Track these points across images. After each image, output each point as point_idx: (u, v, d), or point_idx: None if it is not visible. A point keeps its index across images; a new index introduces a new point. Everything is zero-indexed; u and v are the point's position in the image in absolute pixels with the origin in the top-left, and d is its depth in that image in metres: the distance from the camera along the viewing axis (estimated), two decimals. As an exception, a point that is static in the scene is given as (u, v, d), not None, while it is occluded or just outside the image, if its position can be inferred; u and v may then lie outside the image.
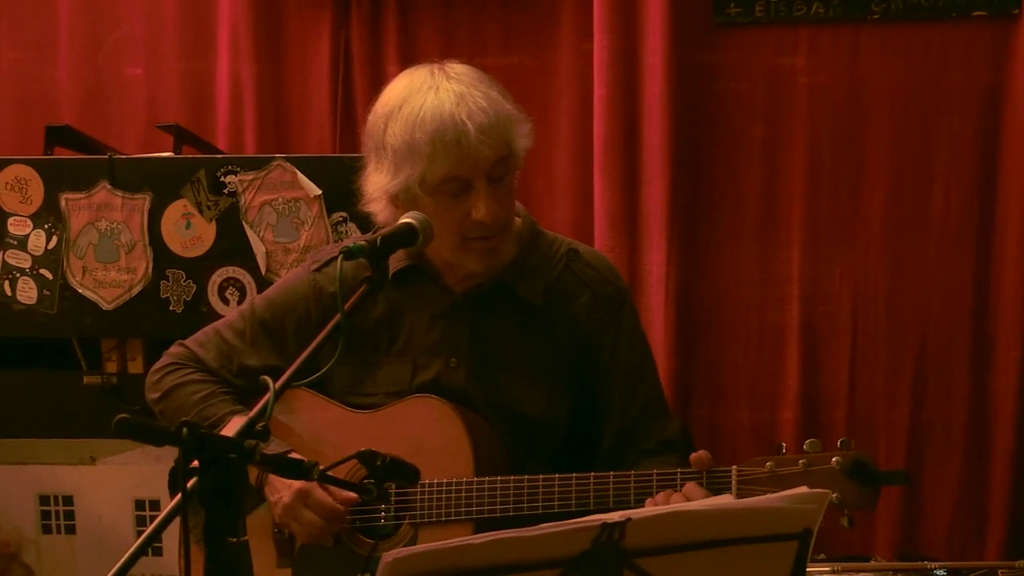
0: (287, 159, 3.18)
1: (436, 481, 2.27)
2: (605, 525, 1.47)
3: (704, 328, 3.54)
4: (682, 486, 2.17)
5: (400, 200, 2.29)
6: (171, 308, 3.19)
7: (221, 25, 3.69)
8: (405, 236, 2.12)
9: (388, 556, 1.41)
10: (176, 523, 1.72)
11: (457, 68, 2.31)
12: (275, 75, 3.70)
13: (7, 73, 3.82)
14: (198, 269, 3.18)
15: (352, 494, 2.22)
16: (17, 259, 3.24)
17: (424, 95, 2.26)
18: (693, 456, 2.20)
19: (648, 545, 1.51)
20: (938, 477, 3.46)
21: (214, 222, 3.18)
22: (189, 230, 3.19)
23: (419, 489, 2.28)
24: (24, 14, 3.81)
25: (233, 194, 3.17)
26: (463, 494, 2.27)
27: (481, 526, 2.24)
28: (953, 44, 3.42)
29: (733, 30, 3.49)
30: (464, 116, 2.22)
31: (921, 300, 3.47)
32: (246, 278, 3.17)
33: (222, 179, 3.17)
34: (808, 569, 2.04)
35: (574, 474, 2.24)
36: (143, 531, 1.74)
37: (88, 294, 3.22)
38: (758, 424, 3.52)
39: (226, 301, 3.16)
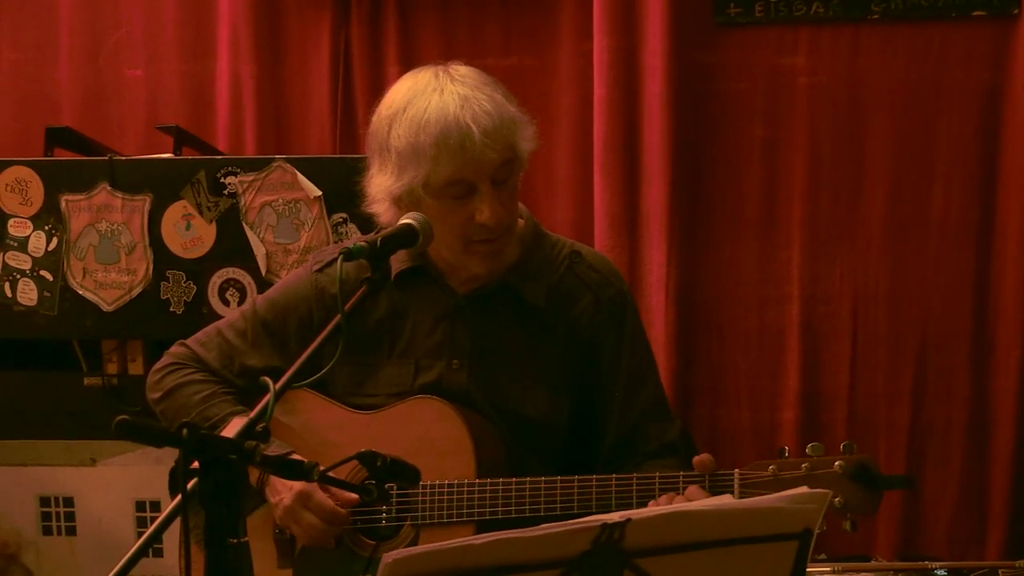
0: (287, 160, 3.18)
1: (437, 482, 2.27)
2: (605, 525, 1.47)
3: (704, 328, 3.54)
4: (684, 489, 2.17)
5: (403, 202, 2.30)
6: (171, 309, 3.19)
7: (221, 26, 3.69)
8: (405, 237, 2.12)
9: (389, 557, 1.41)
10: (176, 524, 1.72)
11: (461, 70, 2.32)
12: (275, 76, 3.70)
13: (7, 74, 3.82)
14: (198, 270, 3.19)
15: (353, 495, 2.22)
16: (17, 261, 3.24)
17: (428, 97, 2.26)
18: (696, 459, 2.20)
19: (648, 545, 1.51)
20: (938, 477, 3.46)
21: (214, 223, 3.18)
22: (189, 231, 3.19)
23: (420, 490, 2.28)
24: (24, 15, 3.81)
25: (233, 195, 3.17)
26: (464, 495, 2.26)
27: (482, 527, 2.24)
28: (953, 44, 3.42)
29: (733, 30, 3.49)
30: (468, 119, 2.22)
31: (921, 300, 3.47)
32: (246, 279, 3.17)
33: (222, 180, 3.17)
34: (809, 569, 2.05)
35: (576, 476, 2.25)
36: (144, 532, 1.74)
37: (88, 295, 3.22)
38: (758, 424, 3.52)
39: (226, 302, 3.16)
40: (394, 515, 2.32)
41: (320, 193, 3.14)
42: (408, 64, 2.43)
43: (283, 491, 2.32)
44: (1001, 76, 3.40)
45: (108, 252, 3.21)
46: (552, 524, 1.48)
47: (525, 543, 1.45)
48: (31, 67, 3.82)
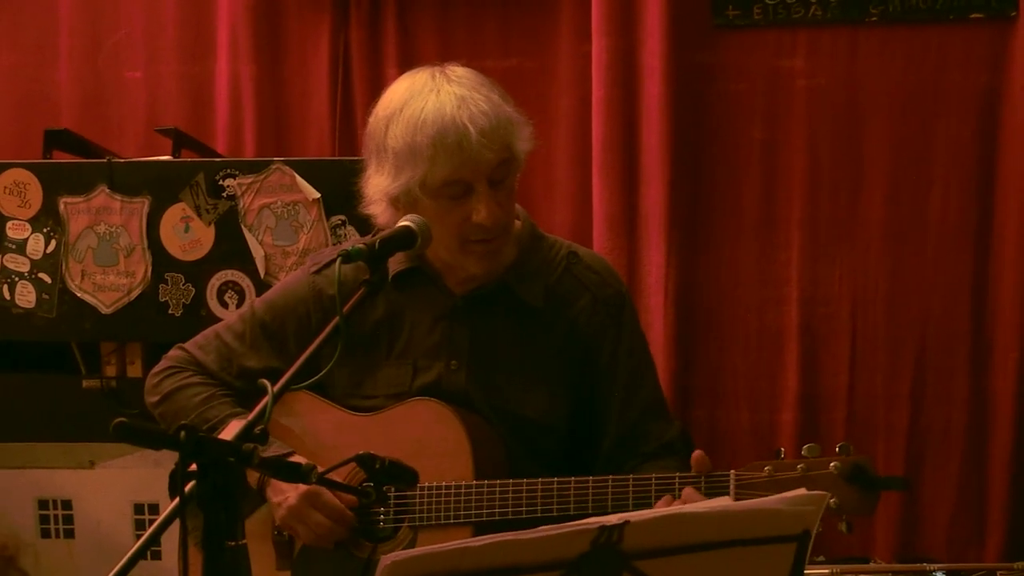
0: (286, 162, 3.18)
1: (435, 484, 2.27)
2: (603, 527, 1.47)
3: (703, 329, 3.54)
4: (680, 490, 2.18)
5: (401, 202, 2.30)
6: (170, 312, 3.19)
7: (220, 27, 3.70)
8: (403, 239, 2.13)
9: (387, 559, 1.42)
10: (175, 526, 1.72)
11: (458, 71, 2.32)
12: (274, 77, 3.70)
13: (6, 76, 3.82)
14: (197, 272, 3.18)
15: (352, 497, 2.23)
16: (16, 263, 3.24)
17: (425, 98, 2.26)
18: (694, 455, 2.20)
19: (646, 547, 1.51)
20: (937, 479, 3.46)
21: (213, 225, 3.18)
22: (188, 233, 3.19)
23: (418, 492, 2.28)
24: (24, 16, 3.81)
25: (232, 197, 3.17)
26: (462, 497, 2.26)
27: (480, 529, 2.24)
28: (951, 46, 3.42)
29: (731, 32, 3.49)
30: (465, 119, 2.23)
31: (920, 302, 3.47)
32: (245, 281, 3.17)
33: (221, 182, 3.17)
34: (807, 571, 2.04)
35: (573, 478, 2.25)
36: (142, 535, 1.74)
37: (87, 298, 3.22)
38: (757, 425, 3.52)
39: (225, 304, 3.16)
40: (392, 517, 2.32)
41: (319, 195, 3.14)
42: (407, 66, 2.42)
43: (288, 490, 2.31)
44: (999, 78, 3.40)
45: (107, 254, 3.21)
46: (550, 526, 1.48)
47: (523, 545, 1.45)
48: (30, 68, 3.82)
